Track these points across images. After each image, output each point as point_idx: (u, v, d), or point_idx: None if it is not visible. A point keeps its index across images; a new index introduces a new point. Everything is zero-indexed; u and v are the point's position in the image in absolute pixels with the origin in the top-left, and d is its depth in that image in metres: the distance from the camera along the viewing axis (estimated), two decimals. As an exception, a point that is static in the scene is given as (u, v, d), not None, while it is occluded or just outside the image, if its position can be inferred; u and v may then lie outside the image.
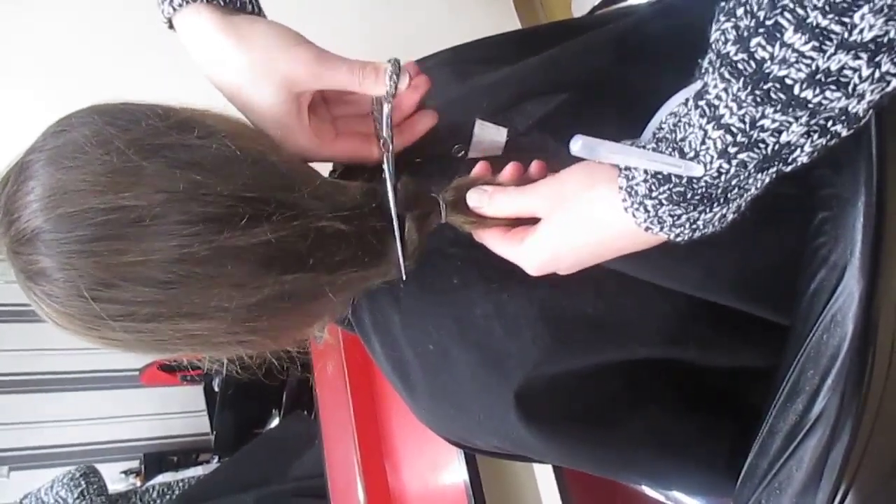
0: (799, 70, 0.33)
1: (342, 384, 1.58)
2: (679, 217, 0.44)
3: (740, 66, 0.36)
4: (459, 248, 0.60)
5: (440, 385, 0.62)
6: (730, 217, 0.45)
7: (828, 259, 0.48)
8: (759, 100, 0.36)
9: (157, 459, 3.09)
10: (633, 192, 0.45)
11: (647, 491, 0.96)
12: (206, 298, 0.47)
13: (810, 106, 0.34)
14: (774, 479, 0.49)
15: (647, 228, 0.45)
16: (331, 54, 0.54)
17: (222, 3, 0.52)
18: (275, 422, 2.58)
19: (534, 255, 0.52)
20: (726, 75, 0.37)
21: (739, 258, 0.57)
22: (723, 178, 0.41)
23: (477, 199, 0.54)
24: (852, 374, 0.45)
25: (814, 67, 0.33)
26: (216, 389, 2.83)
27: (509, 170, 0.55)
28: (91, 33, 1.31)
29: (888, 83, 0.33)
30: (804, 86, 0.34)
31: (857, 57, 0.32)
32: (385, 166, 0.56)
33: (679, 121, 0.43)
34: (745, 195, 0.44)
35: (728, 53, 0.36)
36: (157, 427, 3.30)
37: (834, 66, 0.32)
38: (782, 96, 0.35)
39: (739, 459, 0.56)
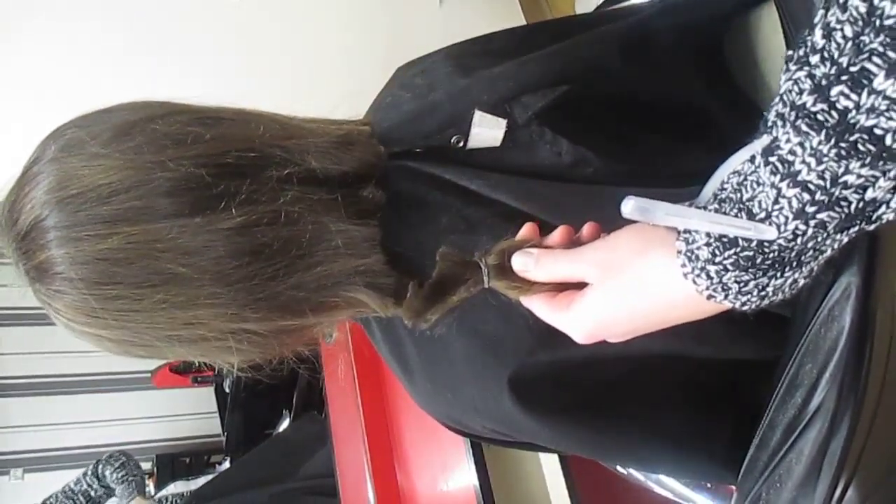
0: (890, 119, 0.30)
1: (351, 384, 1.60)
2: (746, 284, 0.40)
3: (820, 117, 0.32)
4: None
5: (437, 370, 0.63)
6: (801, 282, 0.41)
7: (825, 253, 0.48)
8: (843, 154, 0.32)
9: (169, 461, 3.12)
10: (693, 257, 0.41)
11: (658, 491, 0.96)
12: (191, 282, 0.50)
13: None
14: (775, 472, 0.50)
15: (709, 296, 0.42)
16: None
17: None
18: (285, 423, 2.60)
19: (582, 322, 0.49)
20: (803, 128, 0.33)
21: None
22: (799, 240, 0.37)
23: (523, 263, 0.51)
24: (850, 367, 0.45)
25: None
26: (227, 391, 2.85)
27: (559, 233, 0.52)
28: (88, 44, 1.33)
29: None
30: None
31: None
32: None
33: (745, 179, 0.39)
34: (820, 258, 0.39)
35: (805, 104, 0.33)
36: (168, 429, 3.33)
37: None
38: (871, 148, 0.32)
39: (737, 448, 0.57)
